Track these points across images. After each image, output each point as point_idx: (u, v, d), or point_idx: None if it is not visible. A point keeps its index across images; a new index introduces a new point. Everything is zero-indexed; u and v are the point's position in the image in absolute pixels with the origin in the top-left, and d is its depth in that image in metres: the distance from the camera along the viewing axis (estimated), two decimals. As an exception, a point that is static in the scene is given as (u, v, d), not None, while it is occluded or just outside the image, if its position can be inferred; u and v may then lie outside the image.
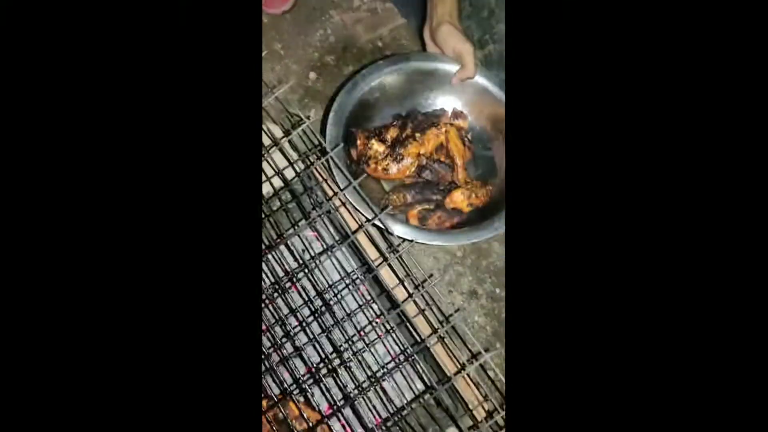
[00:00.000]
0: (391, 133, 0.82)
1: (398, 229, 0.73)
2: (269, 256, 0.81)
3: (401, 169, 0.79)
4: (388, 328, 0.79)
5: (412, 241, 0.65)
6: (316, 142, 0.77)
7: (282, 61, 0.94)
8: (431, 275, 0.68)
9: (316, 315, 0.74)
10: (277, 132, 0.80)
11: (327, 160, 0.72)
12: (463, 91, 0.91)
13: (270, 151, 0.75)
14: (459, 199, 0.82)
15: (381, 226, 0.73)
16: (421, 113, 0.88)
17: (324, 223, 0.82)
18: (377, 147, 0.79)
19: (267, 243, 0.77)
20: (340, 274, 0.82)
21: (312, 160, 0.70)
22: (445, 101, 0.92)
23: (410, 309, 0.73)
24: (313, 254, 0.81)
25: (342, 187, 0.70)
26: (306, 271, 0.76)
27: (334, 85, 0.92)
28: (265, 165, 0.78)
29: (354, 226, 0.76)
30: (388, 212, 0.74)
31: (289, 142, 0.73)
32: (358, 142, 0.80)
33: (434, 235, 0.77)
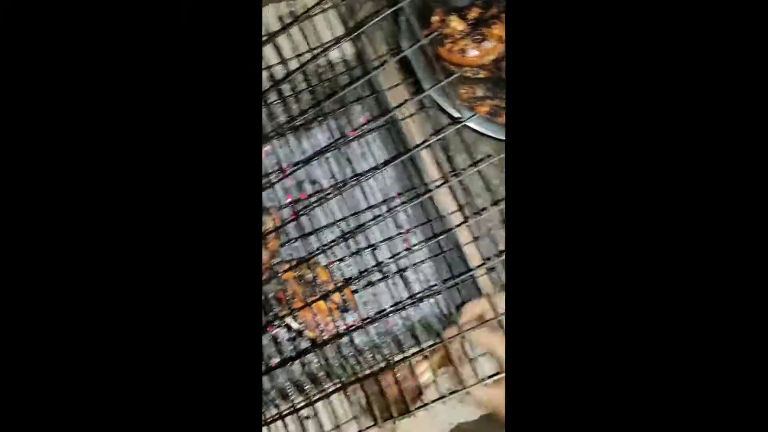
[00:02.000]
0: (474, 13, 0.71)
1: (459, 113, 0.62)
2: (312, 131, 0.74)
3: (481, 52, 0.68)
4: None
5: (464, 120, 0.53)
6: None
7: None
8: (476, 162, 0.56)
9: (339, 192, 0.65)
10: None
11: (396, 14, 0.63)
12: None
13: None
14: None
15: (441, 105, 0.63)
16: None
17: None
18: (456, 24, 0.68)
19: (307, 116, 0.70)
20: (375, 159, 0.73)
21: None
22: None
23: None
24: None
25: (408, 46, 0.61)
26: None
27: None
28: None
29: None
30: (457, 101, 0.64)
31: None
32: (434, 18, 0.70)
33: (499, 128, 0.65)
